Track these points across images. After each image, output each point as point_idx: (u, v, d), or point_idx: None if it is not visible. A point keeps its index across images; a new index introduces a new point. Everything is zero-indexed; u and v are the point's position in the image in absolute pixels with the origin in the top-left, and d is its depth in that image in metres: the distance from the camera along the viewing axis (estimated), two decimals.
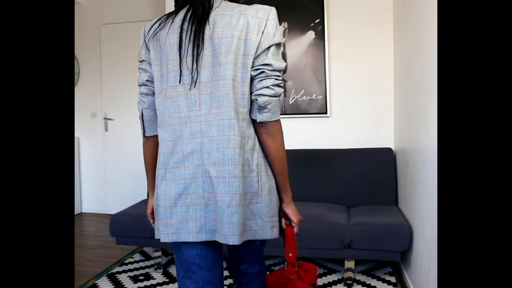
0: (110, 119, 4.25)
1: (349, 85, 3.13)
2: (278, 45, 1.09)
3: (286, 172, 1.16)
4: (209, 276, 1.15)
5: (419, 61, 2.05)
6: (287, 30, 3.18)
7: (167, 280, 2.56)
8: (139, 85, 1.19)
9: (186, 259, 1.14)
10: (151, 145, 1.23)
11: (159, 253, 2.68)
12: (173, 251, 2.98)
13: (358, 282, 2.45)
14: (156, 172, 1.14)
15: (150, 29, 1.15)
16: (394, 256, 2.30)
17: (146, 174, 1.29)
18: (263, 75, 1.07)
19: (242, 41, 1.05)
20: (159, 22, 1.14)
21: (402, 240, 2.23)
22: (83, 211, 4.45)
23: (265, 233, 1.13)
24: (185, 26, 1.08)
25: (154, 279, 2.58)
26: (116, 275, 2.67)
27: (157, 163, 1.14)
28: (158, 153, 1.15)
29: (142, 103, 1.18)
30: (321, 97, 3.14)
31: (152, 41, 1.13)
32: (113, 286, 2.49)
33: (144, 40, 1.16)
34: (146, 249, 3.16)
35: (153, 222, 1.29)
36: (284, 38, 3.19)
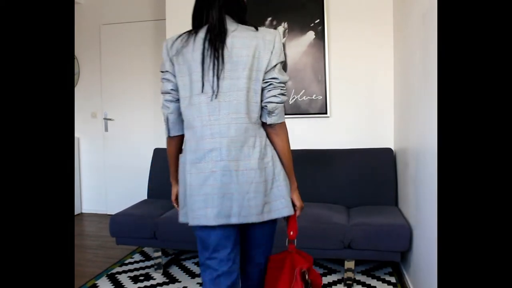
0: (110, 119, 4.25)
1: (349, 85, 3.13)
2: (282, 62, 1.34)
3: (291, 164, 1.42)
4: (231, 254, 1.36)
5: (419, 61, 2.05)
6: (287, 30, 3.18)
7: (167, 280, 2.56)
8: (163, 93, 1.38)
9: (213, 240, 1.33)
10: (175, 144, 1.45)
11: (159, 253, 2.68)
12: (172, 252, 2.99)
13: (358, 282, 2.45)
14: (183, 167, 1.35)
15: (172, 45, 1.35)
16: (394, 256, 2.30)
17: (169, 167, 1.52)
18: (271, 86, 1.31)
19: (255, 59, 1.29)
20: (180, 38, 1.34)
21: (402, 240, 2.23)
22: (83, 211, 4.45)
23: (290, 210, 1.38)
24: (206, 45, 1.29)
25: (154, 279, 2.58)
26: (116, 275, 2.67)
27: (184, 159, 1.36)
28: (184, 151, 1.38)
29: (167, 108, 1.38)
30: (321, 97, 3.14)
31: (176, 56, 1.33)
32: (113, 286, 2.49)
33: (168, 54, 1.36)
34: (146, 249, 3.16)
35: (178, 207, 1.49)
36: (284, 38, 3.18)
